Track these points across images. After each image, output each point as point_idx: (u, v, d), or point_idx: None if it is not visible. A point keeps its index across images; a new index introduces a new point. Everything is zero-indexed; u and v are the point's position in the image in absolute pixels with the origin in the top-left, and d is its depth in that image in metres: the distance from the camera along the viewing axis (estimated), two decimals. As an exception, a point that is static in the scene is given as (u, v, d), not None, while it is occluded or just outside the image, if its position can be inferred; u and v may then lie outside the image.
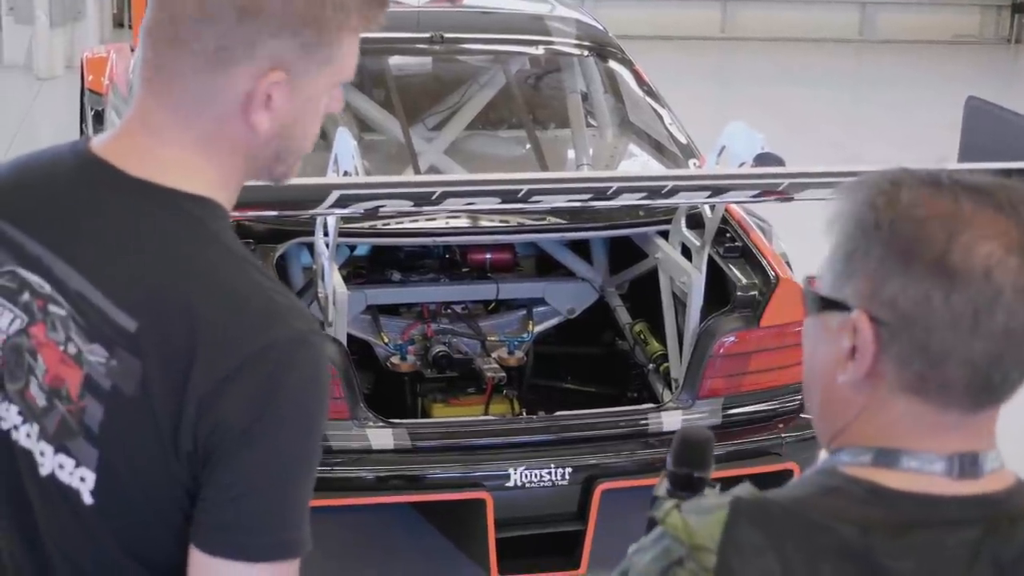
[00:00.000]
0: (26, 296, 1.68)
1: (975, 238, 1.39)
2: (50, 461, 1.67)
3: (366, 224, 4.26)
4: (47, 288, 1.66)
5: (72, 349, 1.64)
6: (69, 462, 1.65)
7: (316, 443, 1.64)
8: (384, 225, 4.33)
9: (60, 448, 1.66)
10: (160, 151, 1.67)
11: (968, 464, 1.45)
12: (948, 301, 1.39)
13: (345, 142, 3.85)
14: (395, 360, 4.48)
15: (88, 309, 1.63)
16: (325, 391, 1.66)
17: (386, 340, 4.55)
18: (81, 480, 1.65)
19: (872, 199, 1.44)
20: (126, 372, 1.60)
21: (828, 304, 1.47)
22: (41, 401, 1.67)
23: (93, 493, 1.65)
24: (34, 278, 1.67)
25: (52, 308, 1.66)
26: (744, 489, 1.48)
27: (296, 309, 1.65)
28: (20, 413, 1.69)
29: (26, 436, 1.69)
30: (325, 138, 4.28)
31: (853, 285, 1.44)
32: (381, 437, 3.94)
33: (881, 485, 1.44)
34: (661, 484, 1.87)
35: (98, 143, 1.71)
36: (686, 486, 1.86)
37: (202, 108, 1.66)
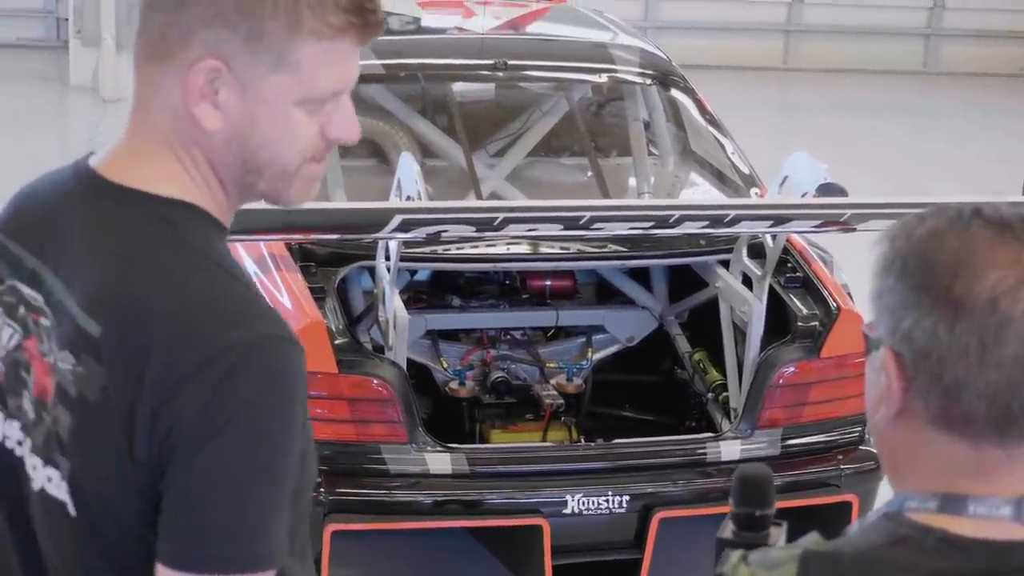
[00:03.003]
0: (22, 310, 1.68)
1: (983, 267, 1.38)
2: (40, 475, 1.66)
3: (427, 249, 4.28)
4: (39, 301, 1.66)
5: (51, 359, 1.64)
6: (56, 475, 1.64)
7: (277, 453, 1.58)
8: (445, 251, 4.35)
9: (48, 461, 1.65)
10: (136, 155, 1.67)
11: None
12: (953, 332, 1.38)
13: (408, 167, 3.87)
14: (454, 385, 4.49)
15: (64, 318, 1.63)
16: (287, 398, 1.59)
17: (445, 365, 4.55)
18: (67, 492, 1.63)
19: (895, 235, 1.45)
20: (90, 378, 1.58)
21: (870, 344, 1.48)
22: (31, 414, 1.67)
23: (75, 506, 1.63)
24: (29, 292, 1.68)
25: (42, 320, 1.66)
26: (811, 540, 1.46)
27: (262, 313, 1.61)
28: (22, 428, 1.69)
29: (25, 451, 1.68)
30: (388, 163, 4.33)
31: (881, 322, 1.45)
32: (439, 462, 3.95)
33: (951, 533, 1.42)
34: (726, 526, 1.87)
35: (95, 156, 1.72)
36: (749, 525, 1.85)
37: (153, 102, 1.66)
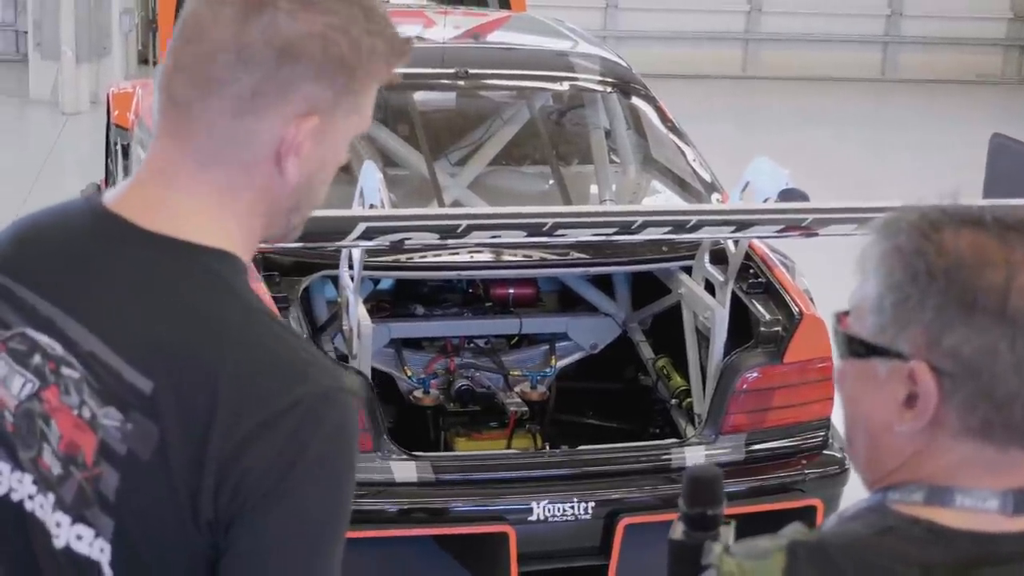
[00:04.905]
0: (37, 359, 1.61)
1: None
2: (66, 532, 1.58)
3: (390, 258, 4.28)
4: (59, 349, 1.59)
5: (86, 413, 1.56)
6: (88, 532, 1.57)
7: (344, 506, 1.57)
8: (408, 259, 4.35)
9: (78, 518, 1.58)
10: (176, 201, 1.61)
11: (1021, 500, 1.44)
12: (1013, 348, 1.38)
13: (371, 175, 3.87)
14: (418, 394, 4.49)
15: (101, 370, 1.56)
16: (352, 450, 1.57)
17: (409, 374, 4.55)
18: (100, 551, 1.57)
19: (919, 245, 1.42)
20: (142, 436, 1.52)
21: (875, 351, 1.45)
22: (56, 469, 1.59)
23: (112, 565, 1.56)
24: (45, 339, 1.60)
25: (65, 370, 1.58)
26: (795, 531, 1.46)
27: (320, 364, 1.58)
28: (35, 482, 1.61)
29: (40, 507, 1.61)
30: (350, 172, 4.34)
31: (908, 334, 1.42)
32: (404, 470, 3.94)
33: (938, 524, 1.43)
34: (676, 527, 1.87)
35: (110, 196, 1.65)
36: (701, 525, 1.86)
37: (230, 154, 1.59)
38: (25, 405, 1.61)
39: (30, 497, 1.61)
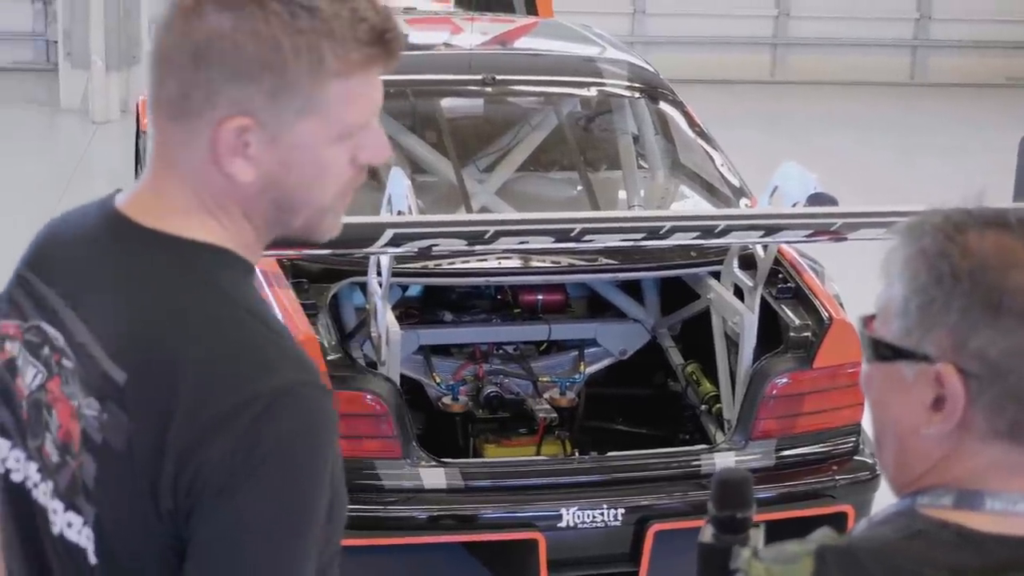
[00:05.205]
0: (46, 350, 1.66)
1: None
2: (61, 519, 1.63)
3: (418, 264, 4.28)
4: (61, 341, 1.64)
5: (75, 403, 1.61)
6: (77, 520, 1.62)
7: (308, 502, 1.55)
8: (436, 266, 4.35)
9: (70, 505, 1.62)
10: (166, 199, 1.65)
11: None
12: None
13: (399, 182, 3.88)
14: (447, 400, 4.49)
15: (88, 361, 1.60)
16: (315, 446, 1.56)
17: (438, 380, 4.55)
18: (87, 539, 1.61)
19: (943, 248, 1.42)
20: (115, 426, 1.56)
21: (901, 354, 1.44)
22: (55, 457, 1.64)
23: (96, 553, 1.60)
24: (52, 331, 1.66)
25: (64, 361, 1.64)
26: (824, 535, 1.46)
27: (291, 359, 1.59)
28: (39, 470, 1.67)
29: (43, 494, 1.66)
30: (378, 179, 4.37)
31: (933, 337, 1.42)
32: (433, 476, 3.94)
33: (968, 528, 1.42)
34: (706, 530, 1.86)
35: (121, 196, 1.70)
36: (730, 528, 1.85)
37: (180, 159, 1.63)
38: (35, 395, 1.68)
39: (35, 485, 1.67)
